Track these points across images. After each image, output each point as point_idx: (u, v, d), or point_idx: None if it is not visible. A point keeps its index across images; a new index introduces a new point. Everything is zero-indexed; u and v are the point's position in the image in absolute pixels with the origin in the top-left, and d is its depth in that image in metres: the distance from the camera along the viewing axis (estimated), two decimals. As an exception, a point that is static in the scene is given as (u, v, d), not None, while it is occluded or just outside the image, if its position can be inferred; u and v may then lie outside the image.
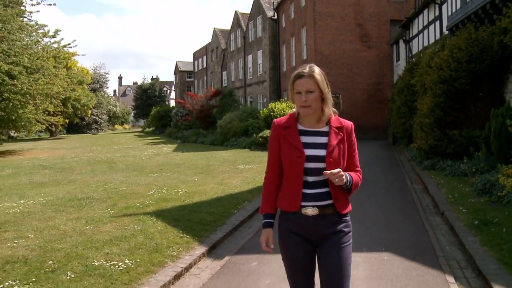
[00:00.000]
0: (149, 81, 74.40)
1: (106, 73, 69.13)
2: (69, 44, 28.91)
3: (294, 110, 2.66)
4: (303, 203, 2.49)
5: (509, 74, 11.05)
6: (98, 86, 63.34)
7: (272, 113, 21.02)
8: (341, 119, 2.61)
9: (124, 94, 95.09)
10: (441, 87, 11.73)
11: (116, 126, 73.77)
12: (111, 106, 68.99)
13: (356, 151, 2.65)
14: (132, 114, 78.52)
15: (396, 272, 4.71)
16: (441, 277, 4.57)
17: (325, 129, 2.56)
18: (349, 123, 2.62)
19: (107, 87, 69.87)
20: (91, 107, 50.37)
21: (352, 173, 2.56)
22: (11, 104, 21.97)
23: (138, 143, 32.10)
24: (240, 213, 7.53)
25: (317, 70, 2.51)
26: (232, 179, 11.07)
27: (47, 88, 23.61)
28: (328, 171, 2.39)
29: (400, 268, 4.83)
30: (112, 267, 4.70)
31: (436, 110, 11.84)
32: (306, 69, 2.50)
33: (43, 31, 25.15)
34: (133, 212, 7.21)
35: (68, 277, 4.36)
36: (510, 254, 4.77)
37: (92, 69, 61.87)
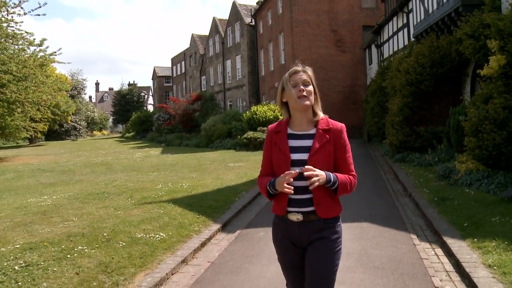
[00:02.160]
0: (127, 87, 74.96)
1: (84, 80, 69.48)
2: (55, 52, 29.68)
3: (282, 118, 2.74)
4: (289, 209, 2.53)
5: (466, 77, 12.67)
6: (76, 93, 63.64)
7: (254, 116, 22.40)
8: (330, 120, 2.60)
9: (101, 100, 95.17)
10: (408, 89, 13.28)
11: (94, 132, 73.95)
12: (89, 112, 69.37)
13: (349, 154, 2.59)
14: (110, 120, 78.80)
15: (373, 234, 6.12)
16: (407, 236, 6.00)
17: (312, 131, 2.56)
18: (338, 125, 2.59)
19: (85, 94, 70.26)
20: (71, 113, 50.76)
21: (339, 174, 2.51)
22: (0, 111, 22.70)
23: (122, 147, 32.97)
24: (241, 200, 8.86)
25: (309, 68, 2.62)
26: (226, 175, 12.37)
27: (36, 96, 24.43)
28: (296, 170, 2.42)
29: (376, 231, 6.25)
30: (151, 238, 5.97)
31: (405, 110, 13.39)
32: (299, 67, 2.59)
33: (29, 39, 25.89)
34: (151, 201, 8.46)
35: (121, 245, 5.61)
36: (458, 218, 6.24)
37: (69, 75, 62.19)
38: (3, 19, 23.26)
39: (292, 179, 2.38)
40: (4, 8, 23.41)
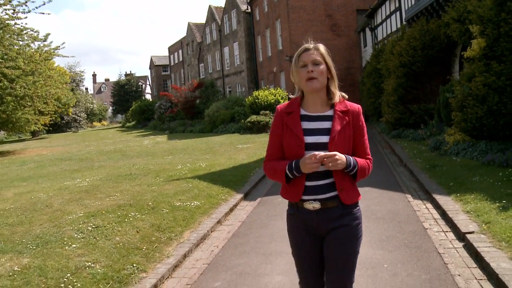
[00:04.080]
0: (124, 77, 75.76)
1: (82, 72, 70.32)
2: (59, 46, 30.55)
3: (293, 96, 2.53)
4: (305, 197, 2.38)
5: (454, 57, 13.77)
6: (75, 85, 64.43)
7: (256, 100, 23.48)
8: (347, 102, 2.45)
9: (99, 91, 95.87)
10: (402, 70, 14.38)
11: (94, 123, 74.87)
12: (88, 104, 70.19)
13: (366, 136, 2.48)
14: (110, 110, 79.71)
15: (374, 195, 7.29)
16: (402, 195, 7.17)
17: (329, 113, 2.40)
18: (356, 106, 2.45)
19: (83, 86, 71.09)
20: (72, 105, 51.57)
21: (358, 158, 2.40)
22: (10, 106, 23.62)
23: (127, 136, 33.99)
24: (255, 175, 10.00)
25: (322, 45, 2.43)
26: (237, 155, 13.49)
27: (45, 90, 25.42)
28: (320, 153, 2.24)
29: (376, 193, 7.41)
30: (187, 205, 7.10)
31: (399, 89, 14.51)
32: (311, 44, 2.40)
33: (33, 34, 26.72)
34: (177, 178, 9.58)
35: (165, 211, 6.74)
36: (445, 180, 7.41)
37: (67, 68, 62.92)
38: (8, 16, 24.19)
39: (319, 160, 2.23)
40: (10, 5, 24.28)
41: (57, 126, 57.00)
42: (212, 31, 43.32)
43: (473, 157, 8.69)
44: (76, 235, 5.49)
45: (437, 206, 6.28)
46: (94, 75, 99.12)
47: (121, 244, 5.27)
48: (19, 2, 24.64)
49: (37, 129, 36.87)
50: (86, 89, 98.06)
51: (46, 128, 55.59)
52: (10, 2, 24.40)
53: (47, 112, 29.95)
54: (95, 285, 4.23)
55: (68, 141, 34.58)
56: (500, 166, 7.58)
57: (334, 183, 2.36)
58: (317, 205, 2.36)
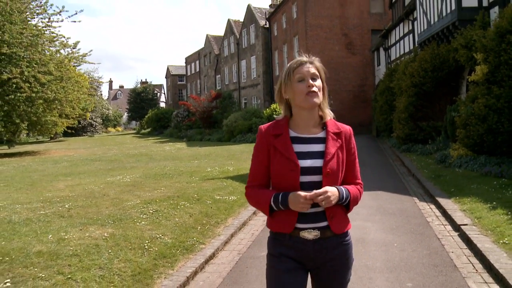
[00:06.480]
0: (139, 85, 77.72)
1: (100, 78, 72.20)
2: (86, 53, 32.16)
3: (279, 116, 2.32)
4: (300, 225, 2.17)
5: (462, 80, 14.98)
6: (93, 90, 66.16)
7: (274, 113, 24.78)
8: (338, 123, 2.30)
9: (115, 97, 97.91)
10: (413, 90, 15.60)
11: (109, 128, 76.65)
12: (104, 109, 71.98)
13: (357, 160, 2.33)
14: (124, 117, 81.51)
15: (385, 197, 8.50)
16: (410, 198, 8.39)
17: (321, 134, 2.23)
18: (347, 128, 2.30)
19: (100, 92, 72.98)
20: (90, 110, 53.15)
21: (350, 187, 2.24)
22: (40, 109, 25.03)
23: (145, 142, 35.41)
24: (279, 179, 11.22)
25: (316, 58, 2.28)
26: (259, 161, 14.70)
27: (74, 96, 26.96)
28: (310, 193, 2.05)
29: (388, 196, 8.63)
30: (226, 199, 8.34)
31: (410, 107, 15.72)
32: (305, 57, 2.25)
33: (64, 41, 28.23)
34: (211, 178, 10.84)
35: (208, 203, 7.98)
36: (447, 187, 8.62)
37: (86, 73, 64.79)
38: (43, 24, 25.83)
39: (311, 200, 2.06)
40: (45, 14, 25.90)
41: (74, 130, 58.69)
42: (230, 44, 44.87)
43: (473, 169, 9.87)
44: (141, 215, 6.75)
45: (439, 206, 7.47)
46: (110, 82, 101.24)
47: (179, 224, 6.52)
48: (54, 11, 26.15)
49: (62, 131, 38.38)
50: (101, 94, 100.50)
51: (63, 131, 57.46)
52: (46, 11, 26.09)
53: (72, 116, 31.48)
54: (168, 249, 5.47)
55: (88, 145, 36.01)
56: (496, 177, 8.78)
57: (324, 211, 2.18)
58: (317, 233, 2.17)
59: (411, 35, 21.32)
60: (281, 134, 2.21)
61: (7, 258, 4.57)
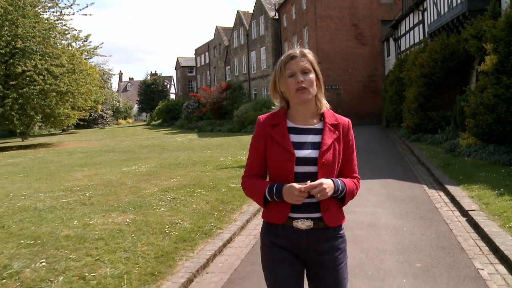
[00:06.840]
0: (149, 77, 78.15)
1: (110, 70, 72.70)
2: (98, 46, 32.52)
3: (275, 108, 2.33)
4: (293, 215, 2.16)
5: (472, 70, 15.07)
6: (103, 82, 66.64)
7: (284, 103, 24.95)
8: (337, 115, 2.28)
9: (125, 89, 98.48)
10: (423, 80, 15.72)
11: (119, 120, 77.22)
12: (114, 101, 72.50)
13: (355, 153, 2.30)
14: (134, 109, 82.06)
15: (395, 185, 8.72)
16: (420, 186, 8.60)
17: (319, 126, 2.22)
18: (346, 120, 2.28)
19: (111, 84, 73.51)
20: (101, 102, 53.58)
21: (346, 180, 2.22)
22: (54, 101, 25.40)
23: (156, 134, 35.73)
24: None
25: (308, 50, 2.23)
26: (270, 152, 14.94)
27: (86, 88, 27.31)
28: (305, 185, 2.03)
29: (397, 183, 8.85)
30: (241, 187, 8.59)
31: (419, 98, 15.85)
32: (297, 50, 2.20)
33: (75, 34, 28.55)
34: (225, 167, 11.11)
35: (223, 190, 8.25)
36: (456, 175, 8.81)
37: (96, 66, 65.26)
38: (55, 18, 26.15)
39: (306, 193, 2.05)
40: (57, 7, 26.21)
41: (85, 122, 59.24)
42: (239, 35, 44.98)
43: (482, 158, 10.04)
44: (160, 203, 7.03)
45: (448, 193, 7.67)
46: (120, 74, 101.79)
47: (197, 210, 6.80)
48: (65, 4, 26.46)
49: (74, 123, 38.86)
50: (111, 86, 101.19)
51: (75, 123, 58.06)
52: (58, 5, 26.40)
53: (84, 108, 31.90)
54: (188, 234, 5.74)
55: (99, 136, 36.41)
56: (504, 165, 8.95)
57: (319, 202, 2.16)
58: (310, 224, 2.15)
59: (421, 26, 21.35)
60: (279, 124, 2.22)
61: (39, 241, 4.87)
